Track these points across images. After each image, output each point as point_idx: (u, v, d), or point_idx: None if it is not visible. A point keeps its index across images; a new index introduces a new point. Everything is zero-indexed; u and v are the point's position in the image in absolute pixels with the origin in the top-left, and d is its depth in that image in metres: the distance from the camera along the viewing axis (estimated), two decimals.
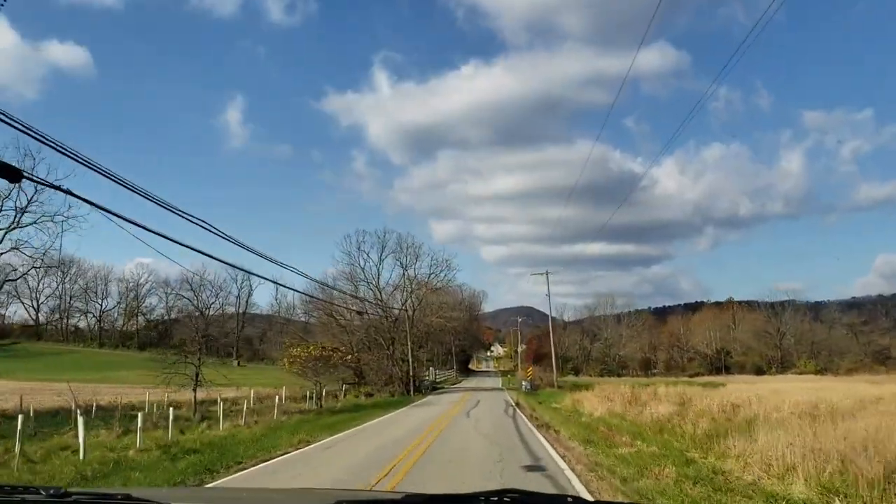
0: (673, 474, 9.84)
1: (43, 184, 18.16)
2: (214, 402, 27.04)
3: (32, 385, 45.30)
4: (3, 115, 8.41)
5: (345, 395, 41.36)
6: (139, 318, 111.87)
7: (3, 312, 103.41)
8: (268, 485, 10.00)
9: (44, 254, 29.83)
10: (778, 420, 16.50)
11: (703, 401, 24.04)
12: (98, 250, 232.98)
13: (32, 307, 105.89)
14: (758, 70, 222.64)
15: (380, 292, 55.87)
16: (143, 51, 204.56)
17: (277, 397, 30.00)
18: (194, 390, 26.76)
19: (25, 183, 25.99)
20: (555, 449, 14.41)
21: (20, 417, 14.56)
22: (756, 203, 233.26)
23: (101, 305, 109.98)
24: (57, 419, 25.87)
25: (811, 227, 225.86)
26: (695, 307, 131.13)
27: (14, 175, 8.73)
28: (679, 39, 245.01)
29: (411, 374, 50.95)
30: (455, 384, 72.18)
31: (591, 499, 8.52)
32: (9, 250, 28.93)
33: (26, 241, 29.20)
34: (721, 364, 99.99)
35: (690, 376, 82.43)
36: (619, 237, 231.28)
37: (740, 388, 35.62)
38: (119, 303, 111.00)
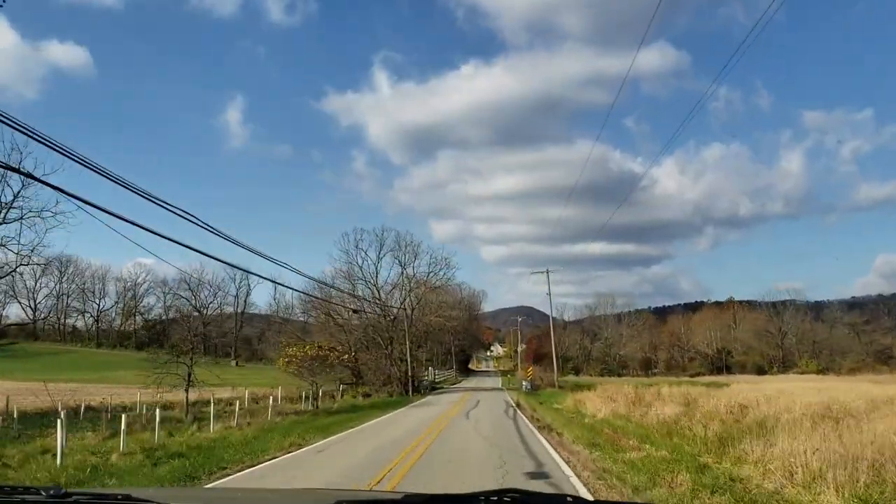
0: (688, 482, 9.13)
1: (31, 177, 17.47)
2: (209, 402, 26.34)
3: (29, 385, 44.67)
4: None
5: (342, 395, 40.62)
6: (137, 317, 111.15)
7: (0, 312, 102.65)
8: None
9: (31, 251, 29.01)
10: (790, 422, 15.81)
11: (708, 401, 23.35)
12: (98, 250, 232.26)
13: (30, 307, 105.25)
14: (758, 70, 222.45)
15: (378, 291, 55.12)
16: (143, 51, 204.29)
17: (271, 398, 29.26)
18: (186, 391, 26.04)
19: (12, 177, 25.31)
20: (558, 453, 13.69)
21: None
22: (756, 203, 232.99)
23: (99, 305, 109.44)
24: (45, 421, 25.14)
25: (811, 226, 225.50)
26: (695, 307, 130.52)
27: None
28: (679, 39, 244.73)
29: (410, 374, 50.22)
30: (455, 384, 71.44)
31: (591, 498, 8.46)
32: None
33: (12, 238, 28.39)
34: (722, 364, 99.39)
35: (691, 376, 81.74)
36: (619, 237, 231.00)
37: (745, 389, 34.91)
38: (117, 302, 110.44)
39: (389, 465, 12.07)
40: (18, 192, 25.96)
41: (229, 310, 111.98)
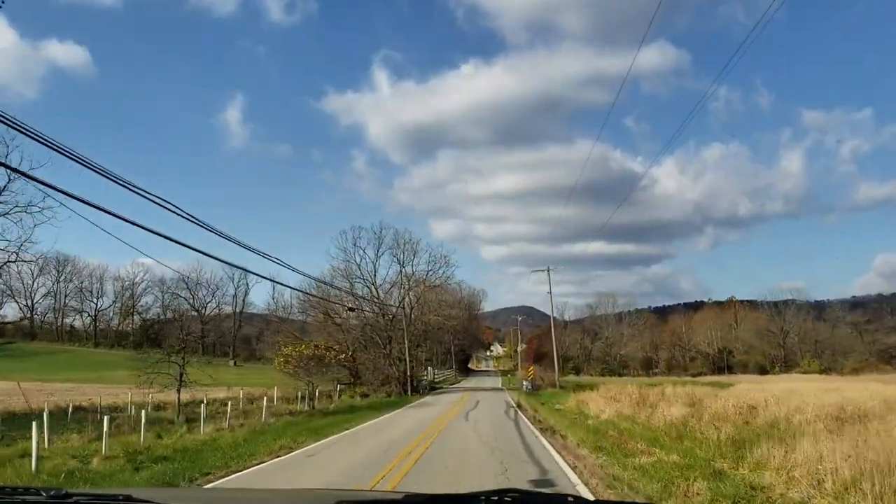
0: (705, 491, 8.40)
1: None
2: (205, 402, 25.64)
3: (26, 385, 44.00)
4: None
5: (340, 395, 39.88)
6: (135, 317, 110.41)
7: None
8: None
9: (19, 247, 28.29)
10: (804, 424, 15.10)
11: (714, 402, 22.62)
12: (98, 250, 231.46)
13: (27, 306, 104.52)
14: (758, 69, 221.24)
15: (376, 290, 54.36)
16: (143, 50, 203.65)
17: (265, 398, 28.52)
18: (178, 391, 25.32)
19: None
20: (563, 458, 12.94)
21: None
22: (756, 203, 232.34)
23: (97, 305, 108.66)
24: (34, 422, 24.39)
25: (811, 226, 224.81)
26: (695, 306, 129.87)
27: None
28: (679, 38, 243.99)
29: (408, 373, 49.49)
30: (454, 384, 70.68)
31: (591, 497, 8.29)
32: None
33: None
34: (723, 363, 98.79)
35: (693, 375, 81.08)
36: (619, 237, 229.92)
37: (750, 389, 34.17)
38: (115, 302, 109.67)
39: (383, 471, 11.34)
40: (4, 187, 25.23)
41: (228, 309, 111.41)
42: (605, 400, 26.81)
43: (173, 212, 12.74)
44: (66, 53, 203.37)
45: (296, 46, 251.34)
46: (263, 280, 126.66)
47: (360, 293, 52.77)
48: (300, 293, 55.58)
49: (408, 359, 50.08)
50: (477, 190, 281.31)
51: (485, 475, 10.87)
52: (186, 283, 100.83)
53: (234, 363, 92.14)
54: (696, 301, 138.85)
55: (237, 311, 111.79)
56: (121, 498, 2.41)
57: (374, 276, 54.70)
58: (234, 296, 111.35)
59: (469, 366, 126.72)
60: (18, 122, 9.65)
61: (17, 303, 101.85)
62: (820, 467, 8.21)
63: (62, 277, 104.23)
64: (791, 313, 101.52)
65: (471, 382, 74.79)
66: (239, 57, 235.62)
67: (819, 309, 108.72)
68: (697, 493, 8.41)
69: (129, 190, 11.63)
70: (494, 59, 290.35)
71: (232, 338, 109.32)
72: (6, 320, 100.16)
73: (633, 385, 34.87)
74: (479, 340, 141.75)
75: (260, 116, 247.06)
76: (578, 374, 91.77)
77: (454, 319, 70.82)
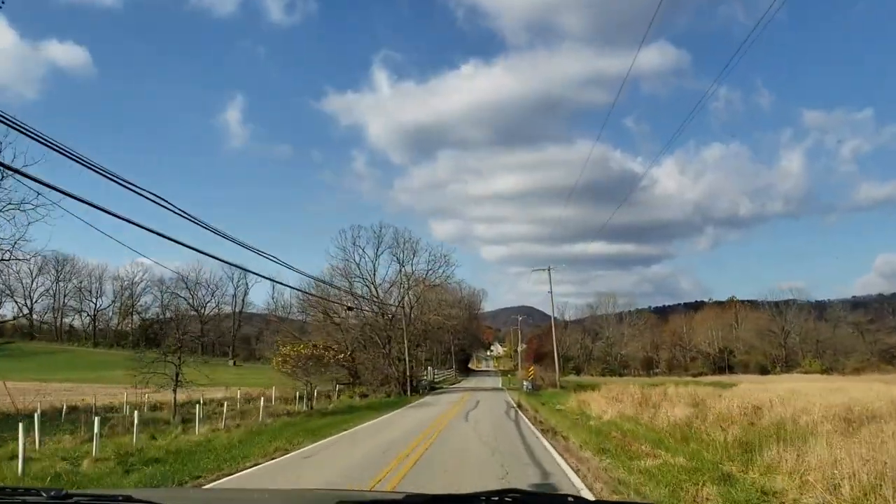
0: (715, 496, 8.04)
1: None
2: (201, 402, 25.31)
3: (25, 385, 43.70)
4: None
5: (338, 395, 39.52)
6: (134, 316, 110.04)
7: None
8: None
9: (13, 245, 27.92)
10: (811, 424, 14.73)
11: (718, 402, 22.24)
12: (98, 250, 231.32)
13: (26, 306, 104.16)
14: (758, 69, 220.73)
15: (376, 289, 53.98)
16: (143, 51, 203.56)
17: (263, 398, 28.19)
18: (174, 391, 24.97)
19: None
20: (565, 460, 12.57)
21: None
22: (756, 203, 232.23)
23: (96, 304, 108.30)
24: (27, 423, 24.04)
25: (811, 226, 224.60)
26: (695, 306, 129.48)
27: None
28: (679, 38, 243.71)
29: (408, 373, 49.11)
30: (454, 384, 70.29)
31: (592, 497, 8.31)
32: None
33: None
34: (724, 363, 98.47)
35: (694, 376, 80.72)
36: (620, 237, 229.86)
37: (753, 389, 33.83)
38: (114, 301, 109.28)
39: (379, 474, 10.98)
40: None
41: (227, 309, 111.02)
42: (607, 400, 26.45)
43: (172, 210, 12.67)
44: (66, 54, 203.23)
45: (296, 47, 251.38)
46: (263, 280, 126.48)
47: (359, 292, 52.44)
48: (300, 293, 55.23)
49: (407, 358, 49.71)
50: (477, 190, 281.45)
51: (485, 478, 10.51)
52: (185, 283, 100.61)
53: (234, 363, 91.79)
54: (696, 301, 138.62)
55: (236, 310, 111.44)
56: (121, 498, 2.41)
57: (374, 275, 54.39)
58: (234, 295, 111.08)
59: (469, 366, 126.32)
60: (10, 118, 9.45)
61: (16, 302, 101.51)
62: (836, 471, 7.84)
63: (61, 277, 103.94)
64: (792, 313, 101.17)
65: (471, 382, 74.40)
66: (239, 57, 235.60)
67: (820, 309, 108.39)
68: (707, 499, 8.06)
69: (128, 189, 11.43)
70: (494, 60, 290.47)
71: (231, 338, 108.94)
72: (5, 319, 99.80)
73: (635, 385, 34.51)
74: (480, 340, 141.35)
75: (260, 117, 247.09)
76: (579, 374, 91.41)
77: (454, 319, 70.43)
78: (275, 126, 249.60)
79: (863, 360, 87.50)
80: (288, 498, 3.45)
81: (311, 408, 30.56)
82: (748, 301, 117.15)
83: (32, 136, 9.84)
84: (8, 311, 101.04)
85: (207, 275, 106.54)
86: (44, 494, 2.34)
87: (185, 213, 13.18)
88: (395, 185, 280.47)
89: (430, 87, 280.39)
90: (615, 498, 8.50)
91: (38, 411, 21.84)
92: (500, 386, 62.90)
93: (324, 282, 49.09)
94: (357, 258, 53.64)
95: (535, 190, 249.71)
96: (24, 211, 23.55)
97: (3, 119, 9.15)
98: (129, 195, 11.17)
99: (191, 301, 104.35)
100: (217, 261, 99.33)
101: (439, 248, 67.87)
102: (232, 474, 11.60)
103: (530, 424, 21.61)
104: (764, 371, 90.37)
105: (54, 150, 10.25)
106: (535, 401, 35.56)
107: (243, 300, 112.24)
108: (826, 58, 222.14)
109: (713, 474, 9.50)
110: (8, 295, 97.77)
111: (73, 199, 10.87)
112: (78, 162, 10.67)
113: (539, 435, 17.88)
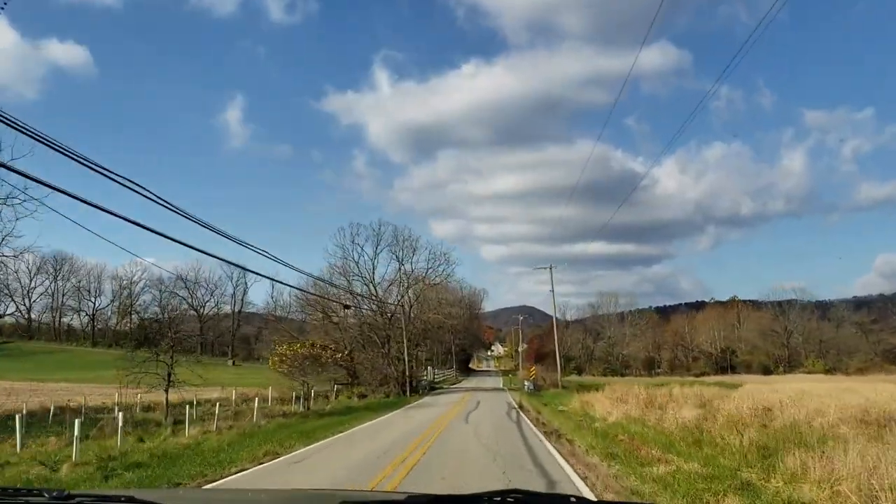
0: None
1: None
2: (195, 403, 24.64)
3: (20, 385, 43.13)
4: None
5: (336, 396, 38.82)
6: (133, 316, 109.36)
7: None
8: None
9: (1, 240, 27.28)
10: (827, 427, 14.03)
11: (725, 403, 21.54)
12: (99, 250, 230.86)
13: (24, 306, 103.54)
14: (760, 69, 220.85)
15: (375, 287, 53.26)
16: (143, 51, 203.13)
17: (257, 399, 27.48)
18: (166, 391, 24.26)
19: None
20: (571, 465, 11.84)
21: None
22: (757, 202, 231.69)
23: (95, 304, 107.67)
24: (11, 425, 23.41)
25: (812, 226, 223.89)
26: (697, 306, 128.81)
27: None
28: (680, 38, 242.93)
29: (407, 373, 48.39)
30: (454, 384, 69.58)
31: (593, 497, 8.31)
32: None
33: None
34: (727, 363, 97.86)
35: (696, 375, 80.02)
36: (620, 237, 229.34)
37: (759, 389, 33.07)
38: (113, 301, 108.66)
39: (373, 481, 10.28)
40: None
41: (227, 309, 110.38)
42: (611, 401, 25.75)
43: (170, 209, 12.55)
44: (67, 53, 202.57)
45: (296, 46, 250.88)
46: (262, 279, 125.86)
47: (358, 291, 51.73)
48: (299, 292, 54.49)
49: (407, 358, 48.98)
50: (477, 190, 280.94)
51: (486, 484, 9.79)
52: (184, 283, 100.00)
53: (233, 363, 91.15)
54: (697, 301, 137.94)
55: (236, 310, 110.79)
56: (123, 499, 2.44)
57: (373, 273, 53.65)
58: (233, 295, 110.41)
59: (470, 366, 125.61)
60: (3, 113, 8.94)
61: (15, 302, 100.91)
62: (874, 482, 7.13)
63: (60, 276, 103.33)
64: (794, 313, 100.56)
65: (471, 382, 73.69)
66: (239, 57, 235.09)
67: (822, 309, 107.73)
68: None
69: (126, 188, 11.07)
70: (495, 59, 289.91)
71: (230, 337, 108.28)
72: (3, 318, 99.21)
73: (639, 385, 33.76)
74: (480, 340, 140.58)
75: (260, 117, 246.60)
76: (580, 375, 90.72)
77: (454, 318, 69.73)
78: (275, 126, 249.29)
79: (867, 361, 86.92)
80: (290, 498, 3.49)
81: (308, 409, 29.87)
82: (750, 301, 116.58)
83: (18, 127, 9.33)
84: (7, 310, 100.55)
85: (206, 274, 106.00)
86: (45, 495, 2.36)
87: (184, 211, 13.17)
88: (395, 184, 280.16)
89: (430, 87, 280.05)
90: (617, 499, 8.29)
91: (24, 412, 21.19)
92: (500, 386, 62.18)
93: (323, 280, 48.43)
94: (356, 256, 52.97)
95: (536, 190, 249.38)
96: (12, 206, 22.86)
97: None
98: (128, 195, 10.81)
99: (190, 301, 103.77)
100: (216, 260, 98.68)
101: (439, 247, 66.82)
102: (215, 481, 10.90)
103: (533, 426, 20.90)
104: (767, 371, 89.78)
105: (41, 142, 9.73)
106: (537, 401, 34.87)
107: (242, 300, 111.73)
108: (827, 58, 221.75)
109: (733, 482, 8.80)
110: (7, 295, 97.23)
111: (68, 197, 10.50)
112: (66, 155, 10.15)
113: (542, 438, 17.16)
